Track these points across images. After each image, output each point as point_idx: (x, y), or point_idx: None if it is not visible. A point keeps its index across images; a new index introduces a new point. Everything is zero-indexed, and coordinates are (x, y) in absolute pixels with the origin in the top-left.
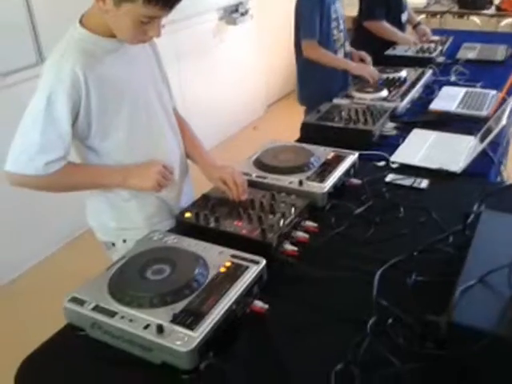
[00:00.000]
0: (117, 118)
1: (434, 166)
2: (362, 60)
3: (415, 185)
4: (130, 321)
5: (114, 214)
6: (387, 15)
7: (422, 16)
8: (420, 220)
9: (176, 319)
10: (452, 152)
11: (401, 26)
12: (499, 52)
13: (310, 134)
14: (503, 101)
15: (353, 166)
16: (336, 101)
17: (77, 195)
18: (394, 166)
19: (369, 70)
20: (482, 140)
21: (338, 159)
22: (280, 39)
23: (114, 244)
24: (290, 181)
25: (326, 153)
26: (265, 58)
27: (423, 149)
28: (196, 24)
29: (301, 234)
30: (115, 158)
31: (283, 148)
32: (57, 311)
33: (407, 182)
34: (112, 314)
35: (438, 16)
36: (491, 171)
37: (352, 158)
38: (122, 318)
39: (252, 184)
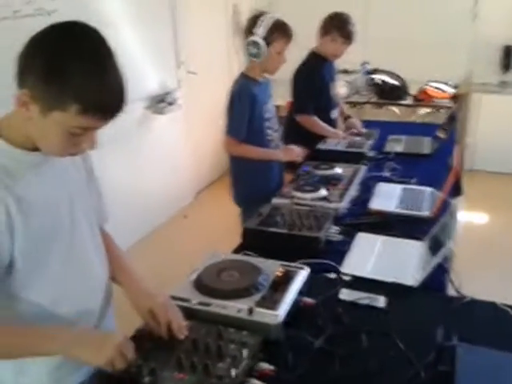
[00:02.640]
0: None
1: (387, 278)
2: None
3: (373, 303)
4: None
5: (11, 364)
6: (318, 111)
7: (346, 106)
8: (387, 352)
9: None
10: (402, 261)
11: (331, 121)
12: (425, 144)
13: (253, 240)
14: (443, 201)
15: (305, 281)
16: (275, 201)
17: None
18: (346, 278)
19: (296, 153)
20: (433, 252)
21: (289, 275)
22: (209, 127)
23: None
24: (238, 308)
25: (274, 268)
26: (193, 145)
27: (372, 257)
28: (122, 113)
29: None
30: (29, 292)
31: (227, 264)
32: None
33: (364, 300)
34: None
35: (359, 106)
36: (446, 282)
37: (303, 273)
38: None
39: (193, 314)
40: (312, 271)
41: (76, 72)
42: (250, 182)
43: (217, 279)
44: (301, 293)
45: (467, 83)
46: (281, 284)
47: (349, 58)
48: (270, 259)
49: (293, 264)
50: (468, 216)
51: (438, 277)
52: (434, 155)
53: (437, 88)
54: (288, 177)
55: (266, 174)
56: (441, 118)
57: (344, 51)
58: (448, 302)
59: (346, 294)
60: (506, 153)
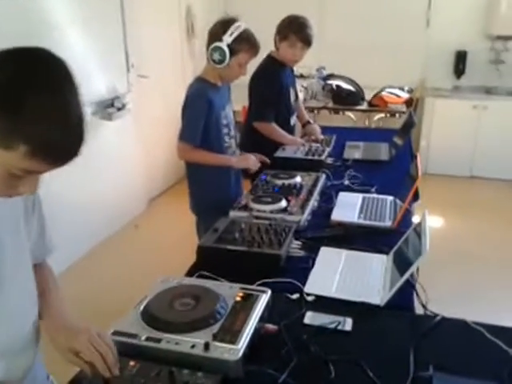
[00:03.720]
0: None
1: (353, 298)
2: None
3: (339, 327)
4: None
5: None
6: (276, 118)
7: None
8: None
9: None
10: (367, 277)
11: (289, 128)
12: (383, 151)
13: (208, 258)
14: (406, 211)
15: (267, 306)
16: (233, 214)
17: None
18: (310, 298)
19: (252, 162)
20: (398, 267)
21: (249, 300)
22: (161, 133)
23: None
24: (192, 343)
25: (233, 292)
26: (145, 152)
27: (336, 274)
28: None
29: None
30: None
31: (180, 290)
32: None
33: (330, 324)
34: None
35: (315, 112)
36: (413, 298)
37: (265, 297)
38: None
39: (141, 352)
40: (273, 291)
41: (31, 107)
42: (206, 189)
43: (168, 309)
44: (262, 319)
45: (421, 88)
46: (241, 311)
47: (304, 63)
48: (228, 281)
49: (253, 287)
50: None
51: (404, 294)
52: (392, 162)
53: (391, 93)
54: (247, 184)
55: (222, 181)
56: (395, 123)
57: (303, 56)
58: (417, 322)
59: (310, 318)
60: (458, 156)
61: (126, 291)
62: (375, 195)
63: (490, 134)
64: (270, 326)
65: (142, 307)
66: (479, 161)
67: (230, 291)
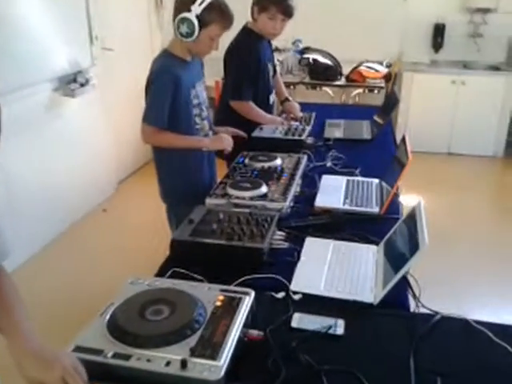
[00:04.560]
0: None
1: (343, 296)
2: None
3: (330, 331)
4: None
5: None
6: (254, 96)
7: None
8: None
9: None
10: (357, 271)
11: (268, 107)
12: (365, 129)
13: (183, 253)
14: (394, 196)
15: (250, 310)
16: (209, 201)
17: None
18: (297, 297)
19: (226, 142)
20: (389, 259)
21: (231, 305)
22: (129, 109)
23: None
24: (166, 360)
25: (212, 295)
26: (113, 130)
27: (324, 269)
28: (23, 97)
29: None
30: None
31: (152, 295)
32: None
33: (320, 328)
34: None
35: (292, 87)
36: (408, 295)
37: (248, 300)
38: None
39: (108, 371)
40: (256, 289)
41: None
42: (175, 175)
43: (138, 319)
44: (245, 325)
45: (399, 63)
46: (221, 318)
47: (280, 36)
48: (206, 278)
49: (234, 288)
50: (402, 199)
51: (397, 289)
52: (374, 141)
53: (370, 68)
54: (221, 166)
55: (194, 165)
56: (374, 98)
57: (283, 29)
58: (415, 322)
59: (298, 321)
60: (436, 133)
61: (92, 287)
62: (360, 178)
63: (468, 110)
64: (255, 333)
65: (107, 316)
66: (457, 137)
67: (208, 294)
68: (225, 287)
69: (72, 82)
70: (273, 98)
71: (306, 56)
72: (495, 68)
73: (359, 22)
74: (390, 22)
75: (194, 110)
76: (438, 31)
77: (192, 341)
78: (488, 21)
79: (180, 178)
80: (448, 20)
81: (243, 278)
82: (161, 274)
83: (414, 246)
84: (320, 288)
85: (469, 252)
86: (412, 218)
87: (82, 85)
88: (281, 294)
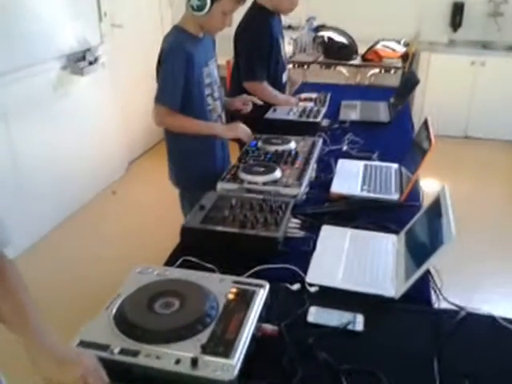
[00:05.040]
0: None
1: (363, 289)
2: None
3: (349, 327)
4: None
5: None
6: (268, 75)
7: (289, 66)
8: None
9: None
10: (377, 263)
11: (281, 86)
12: (382, 111)
13: (194, 241)
14: (415, 183)
15: (265, 304)
16: (221, 186)
17: None
18: (313, 290)
19: (242, 130)
20: (411, 252)
21: (245, 297)
22: (140, 89)
23: None
24: (176, 358)
25: (224, 287)
26: (123, 110)
27: (342, 259)
28: (31, 76)
29: None
30: None
31: (161, 286)
32: None
33: (338, 323)
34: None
35: (305, 66)
36: (430, 289)
37: (262, 293)
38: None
39: (115, 367)
40: (270, 280)
41: None
42: (188, 160)
43: (147, 313)
44: (260, 319)
45: (416, 42)
46: (234, 312)
47: (294, 13)
48: (217, 267)
49: (248, 280)
50: (420, 184)
51: (419, 283)
52: (392, 123)
53: (387, 47)
54: (234, 150)
55: (207, 149)
56: (391, 79)
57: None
58: (438, 318)
59: (315, 315)
60: (453, 116)
61: (100, 274)
62: (378, 163)
63: (487, 92)
64: (269, 328)
65: (114, 309)
66: (474, 120)
67: (220, 286)
68: (238, 279)
69: (81, 60)
70: (286, 76)
71: (320, 34)
72: None
73: (376, 0)
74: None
75: (206, 89)
76: (457, 9)
77: (203, 337)
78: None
79: (192, 162)
80: None
81: (256, 268)
82: (171, 262)
83: (438, 238)
84: (337, 280)
85: (489, 239)
86: (436, 206)
87: (91, 63)
88: (296, 286)
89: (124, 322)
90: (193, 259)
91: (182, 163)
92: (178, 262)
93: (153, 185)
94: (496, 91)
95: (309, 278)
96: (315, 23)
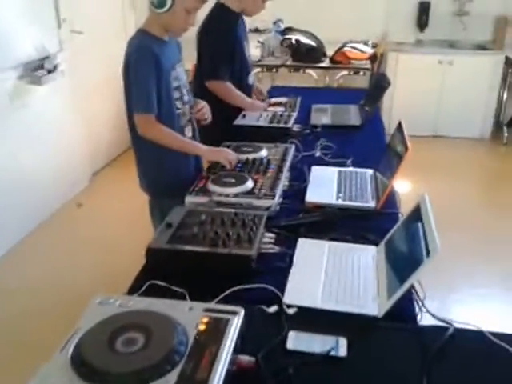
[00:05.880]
0: None
1: (345, 308)
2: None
3: (332, 353)
4: None
5: None
6: (232, 76)
7: (257, 69)
8: None
9: None
10: (358, 279)
11: (247, 88)
12: (353, 114)
13: (161, 262)
14: (391, 190)
15: (240, 333)
16: (189, 200)
17: None
18: (291, 311)
19: (225, 155)
20: (398, 273)
21: (217, 328)
22: (102, 96)
23: None
24: None
25: (194, 317)
26: (85, 119)
27: (321, 276)
28: None
29: None
30: None
31: (123, 319)
32: None
33: (319, 349)
34: None
35: (274, 70)
36: (414, 304)
37: (237, 321)
38: None
39: None
40: (244, 302)
41: None
42: (158, 164)
43: (108, 353)
44: (234, 350)
45: (383, 42)
46: (206, 345)
47: (260, 16)
48: (186, 290)
49: (220, 307)
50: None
51: (403, 298)
52: (364, 126)
53: (355, 48)
54: None
55: (178, 153)
56: (360, 80)
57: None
58: (425, 336)
59: (294, 341)
60: (422, 115)
61: (64, 293)
62: (352, 169)
63: (455, 91)
64: (245, 359)
65: (71, 350)
66: (443, 119)
67: (190, 315)
68: (209, 306)
69: (39, 69)
70: (252, 79)
71: (287, 37)
72: (482, 47)
73: (342, 1)
74: (374, 1)
75: (174, 93)
76: (423, 9)
77: (172, 378)
78: None
79: (163, 168)
80: None
81: (229, 291)
82: (136, 287)
83: (420, 250)
84: (317, 300)
85: (464, 238)
86: (416, 215)
87: (50, 71)
88: (273, 308)
89: (82, 365)
90: (160, 283)
91: (152, 169)
92: (144, 288)
93: (118, 196)
94: (463, 89)
95: (286, 299)
96: (282, 26)
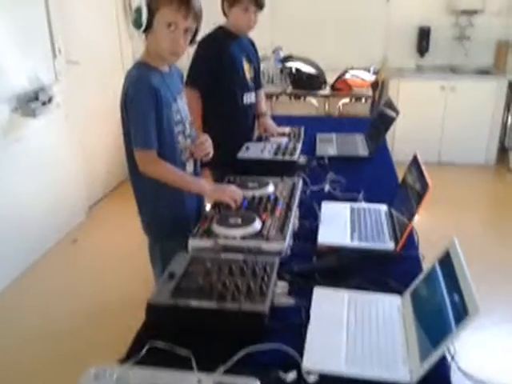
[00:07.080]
0: None
1: (372, 374)
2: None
3: None
4: None
5: None
6: (226, 94)
7: None
8: None
9: None
10: (385, 337)
11: (242, 107)
12: (359, 144)
13: (164, 319)
14: (411, 230)
15: None
16: (193, 244)
17: None
18: (312, 379)
19: (230, 194)
20: (428, 331)
21: None
22: (99, 127)
23: None
24: None
25: None
26: (81, 151)
27: (343, 335)
28: None
29: None
30: None
31: None
32: None
33: None
34: None
35: (274, 98)
36: (446, 363)
37: None
38: None
39: None
40: (257, 365)
41: None
42: (159, 202)
43: None
44: None
45: (384, 69)
46: None
47: (259, 44)
48: (191, 352)
49: (233, 379)
50: None
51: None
52: (372, 158)
53: (356, 76)
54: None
55: (179, 195)
56: (361, 108)
57: (257, 21)
58: None
59: None
60: (426, 142)
61: (58, 347)
62: (365, 204)
63: (458, 117)
64: None
65: None
66: (447, 146)
67: None
68: (221, 378)
69: (33, 100)
70: (251, 98)
71: (287, 65)
72: (484, 72)
73: (341, 28)
74: (373, 27)
75: (176, 127)
76: (423, 35)
77: None
78: (475, 23)
79: (164, 208)
80: (433, 23)
81: (241, 354)
82: (135, 349)
83: (455, 308)
84: (341, 364)
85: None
86: (447, 264)
87: (45, 103)
88: (291, 376)
89: None
90: (162, 346)
91: (151, 207)
92: (144, 351)
93: (116, 230)
94: (467, 115)
95: (306, 363)
96: (282, 54)
